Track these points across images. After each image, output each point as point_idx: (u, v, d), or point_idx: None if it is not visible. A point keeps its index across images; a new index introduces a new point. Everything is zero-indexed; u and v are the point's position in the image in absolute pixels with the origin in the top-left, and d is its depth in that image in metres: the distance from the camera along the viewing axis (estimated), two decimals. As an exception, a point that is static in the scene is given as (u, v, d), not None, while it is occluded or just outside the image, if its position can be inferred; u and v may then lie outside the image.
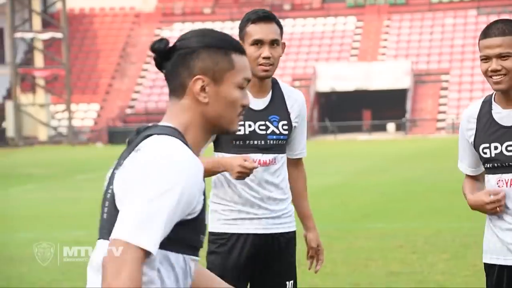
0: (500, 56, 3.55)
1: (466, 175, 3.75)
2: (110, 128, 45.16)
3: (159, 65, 2.31)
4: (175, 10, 53.13)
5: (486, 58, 3.58)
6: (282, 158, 3.95)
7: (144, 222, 2.09)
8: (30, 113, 45.12)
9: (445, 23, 50.70)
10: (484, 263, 3.64)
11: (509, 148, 3.58)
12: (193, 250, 2.23)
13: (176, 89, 2.27)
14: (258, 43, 3.89)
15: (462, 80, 47.32)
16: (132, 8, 53.57)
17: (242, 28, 3.94)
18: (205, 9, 53.07)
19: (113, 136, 43.73)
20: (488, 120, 3.62)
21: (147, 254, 2.10)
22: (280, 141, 3.92)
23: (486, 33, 3.59)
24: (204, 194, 2.24)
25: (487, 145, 3.60)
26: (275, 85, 3.99)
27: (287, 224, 3.98)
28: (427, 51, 49.30)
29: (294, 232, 4.02)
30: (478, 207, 3.58)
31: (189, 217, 2.18)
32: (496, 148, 3.59)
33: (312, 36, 50.86)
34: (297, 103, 3.99)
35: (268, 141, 3.89)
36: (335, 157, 26.95)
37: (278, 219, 3.95)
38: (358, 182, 17.65)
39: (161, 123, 2.27)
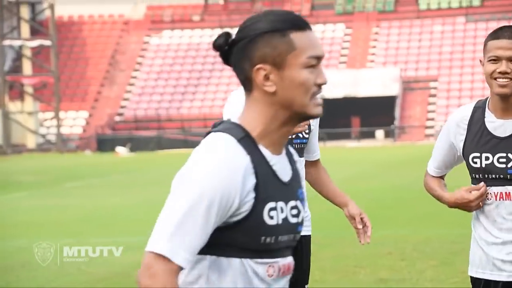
0: (511, 59, 3.46)
1: (430, 174, 3.69)
2: (99, 136, 45.06)
3: (226, 61, 2.15)
4: (164, 18, 53.12)
5: (495, 59, 3.47)
6: (302, 162, 4.07)
7: (172, 233, 2.01)
8: (19, 121, 44.99)
9: (433, 30, 50.86)
10: (470, 276, 3.56)
11: (501, 160, 3.46)
12: (253, 253, 2.08)
13: (244, 83, 2.14)
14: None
15: (450, 87, 47.46)
16: (121, 16, 53.54)
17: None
18: (194, 16, 53.07)
19: (102, 144, 43.64)
20: (480, 128, 3.50)
21: (177, 265, 2.03)
22: (303, 145, 4.06)
23: (499, 34, 3.48)
24: (256, 191, 2.07)
25: (478, 154, 3.48)
26: None
27: (307, 228, 4.08)
28: (415, 58, 49.44)
29: (310, 236, 4.12)
30: (460, 205, 3.50)
31: (235, 219, 2.06)
32: (487, 158, 3.47)
33: (301, 43, 50.92)
34: None
35: (294, 145, 4.01)
36: (324, 164, 26.92)
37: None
38: (347, 189, 17.56)
39: (230, 119, 2.17)
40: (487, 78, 3.49)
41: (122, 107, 48.37)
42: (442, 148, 3.60)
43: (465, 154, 3.51)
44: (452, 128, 3.54)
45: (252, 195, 2.07)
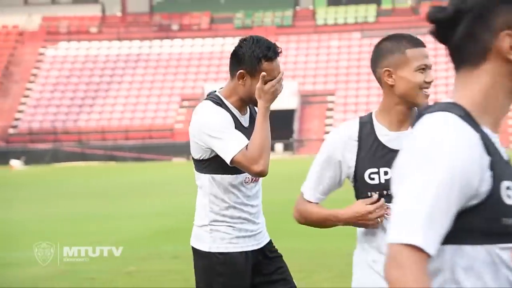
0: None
1: (307, 200, 3.37)
2: (-7, 149, 43.85)
3: (443, 38, 2.00)
4: (60, 29, 52.21)
5: (424, 68, 3.28)
6: None
7: (412, 218, 1.83)
8: None
9: (330, 45, 51.69)
10: None
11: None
12: (497, 237, 1.91)
13: (472, 57, 1.97)
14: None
15: (347, 101, 48.29)
16: (15, 27, 52.33)
17: (255, 63, 3.96)
18: (92, 28, 52.37)
19: (-4, 157, 42.48)
20: (373, 143, 3.28)
21: (427, 254, 1.84)
22: None
23: (418, 42, 3.30)
24: (492, 169, 1.91)
25: (376, 170, 3.25)
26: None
27: (267, 235, 4.17)
28: (313, 73, 50.11)
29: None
30: (359, 219, 3.22)
31: (474, 202, 1.90)
32: (386, 173, 3.23)
33: (201, 56, 50.89)
34: None
35: None
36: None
37: (263, 232, 4.14)
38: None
39: (443, 101, 2.01)
40: (413, 89, 3.26)
41: (17, 119, 47.22)
42: (328, 170, 3.33)
43: (359, 171, 3.26)
44: (340, 147, 3.31)
45: (489, 173, 1.91)
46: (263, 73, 3.97)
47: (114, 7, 53.97)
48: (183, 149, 43.93)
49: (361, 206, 3.24)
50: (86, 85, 49.36)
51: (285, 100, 46.81)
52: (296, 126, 46.64)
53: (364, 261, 3.28)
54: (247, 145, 3.90)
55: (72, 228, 13.88)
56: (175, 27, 52.45)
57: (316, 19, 53.18)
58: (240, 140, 3.89)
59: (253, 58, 3.96)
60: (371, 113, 3.35)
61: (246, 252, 4.02)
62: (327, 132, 46.69)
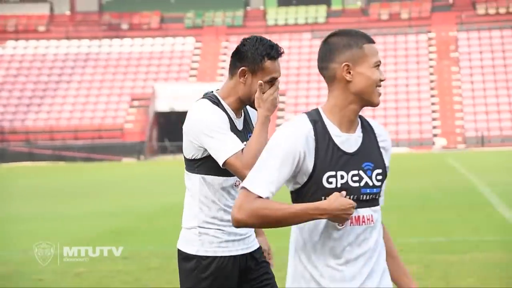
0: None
1: (258, 197, 3.02)
2: None
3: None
4: (7, 28, 51.50)
5: (378, 65, 3.13)
6: None
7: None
8: None
9: (281, 46, 51.76)
10: None
11: (354, 178, 3.07)
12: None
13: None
14: (273, 80, 3.98)
15: (297, 101, 48.47)
16: (-38, 24, 51.54)
17: (257, 61, 3.91)
18: (40, 27, 51.77)
19: None
20: (329, 143, 3.07)
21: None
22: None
23: (371, 38, 3.14)
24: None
25: (333, 173, 3.04)
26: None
27: (255, 241, 4.11)
28: (264, 73, 50.15)
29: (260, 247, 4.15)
30: (343, 211, 2.97)
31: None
32: (342, 177, 3.05)
33: (151, 56, 50.64)
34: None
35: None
36: (173, 178, 26.83)
37: (253, 236, 4.08)
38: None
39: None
40: (371, 86, 3.10)
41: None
42: (286, 166, 3.03)
43: (317, 173, 3.03)
44: (301, 143, 3.04)
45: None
46: (260, 81, 3.93)
47: (63, 5, 53.42)
48: (133, 149, 43.66)
49: (344, 200, 2.98)
50: (34, 84, 48.76)
51: (236, 100, 46.84)
52: (246, 126, 46.68)
53: (310, 277, 3.04)
54: (242, 149, 3.85)
55: (20, 229, 13.70)
56: (124, 26, 52.10)
57: (267, 19, 53.28)
58: (235, 143, 3.84)
59: (256, 56, 3.95)
60: (318, 110, 3.12)
61: (234, 256, 3.97)
62: (277, 132, 46.79)
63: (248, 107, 4.10)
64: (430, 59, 50.12)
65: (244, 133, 4.02)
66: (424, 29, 51.53)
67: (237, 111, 4.01)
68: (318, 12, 53.48)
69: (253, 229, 4.05)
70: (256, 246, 4.08)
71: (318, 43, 51.59)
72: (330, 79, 3.16)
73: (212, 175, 3.94)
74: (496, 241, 10.74)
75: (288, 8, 53.95)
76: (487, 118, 45.79)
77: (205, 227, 3.96)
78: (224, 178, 3.94)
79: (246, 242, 4.02)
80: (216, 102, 3.94)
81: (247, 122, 4.08)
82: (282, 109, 47.99)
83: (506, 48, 49.46)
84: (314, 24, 52.47)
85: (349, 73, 3.11)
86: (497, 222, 12.58)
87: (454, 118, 46.44)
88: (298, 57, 50.87)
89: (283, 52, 4.03)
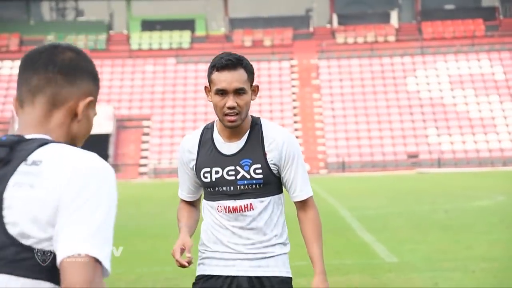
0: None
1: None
2: None
3: None
4: None
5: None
6: (262, 203, 3.76)
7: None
8: None
9: (145, 70, 51.69)
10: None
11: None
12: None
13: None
14: (222, 92, 3.69)
15: (163, 126, 48.39)
16: None
17: (208, 75, 3.76)
18: None
19: None
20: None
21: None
22: (253, 186, 3.73)
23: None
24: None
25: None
26: (255, 126, 3.78)
27: (271, 268, 3.82)
28: (128, 97, 49.87)
29: (281, 278, 3.85)
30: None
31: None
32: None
33: (10, 79, 49.42)
34: (275, 143, 3.75)
35: (238, 186, 3.72)
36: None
37: (258, 261, 3.82)
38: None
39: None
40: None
41: None
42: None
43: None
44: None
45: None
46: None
47: None
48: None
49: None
50: None
51: (101, 125, 46.27)
52: (111, 150, 46.16)
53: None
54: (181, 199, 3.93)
55: None
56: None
57: (131, 44, 53.06)
58: (180, 186, 3.90)
59: (209, 69, 3.80)
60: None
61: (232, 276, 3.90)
62: (143, 157, 46.55)
63: (269, 128, 3.80)
64: (293, 86, 51.19)
65: (233, 157, 3.75)
66: (287, 56, 52.63)
67: (229, 134, 3.76)
68: (183, 38, 53.71)
69: (260, 254, 3.85)
70: (264, 273, 3.92)
71: (183, 68, 51.83)
72: None
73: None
74: (356, 264, 11.08)
75: (152, 33, 53.92)
76: (347, 144, 47.11)
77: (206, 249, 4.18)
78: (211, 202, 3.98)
79: (245, 266, 3.88)
80: (208, 126, 3.82)
81: (252, 144, 3.78)
82: (147, 134, 47.79)
83: (365, 76, 51.15)
84: (178, 49, 52.65)
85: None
86: (357, 246, 12.97)
87: (316, 144, 47.53)
88: (163, 82, 50.86)
89: (238, 64, 3.72)
